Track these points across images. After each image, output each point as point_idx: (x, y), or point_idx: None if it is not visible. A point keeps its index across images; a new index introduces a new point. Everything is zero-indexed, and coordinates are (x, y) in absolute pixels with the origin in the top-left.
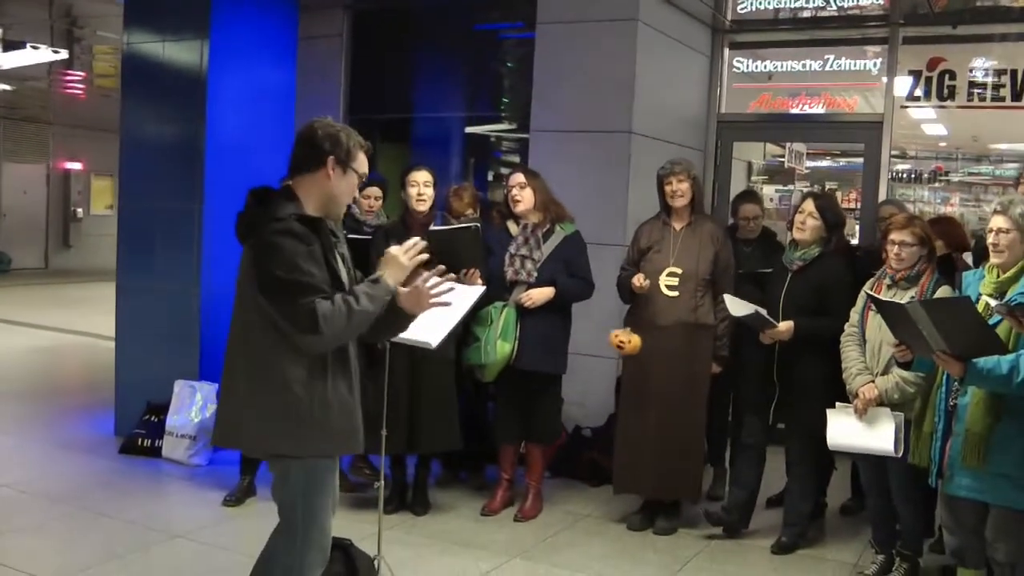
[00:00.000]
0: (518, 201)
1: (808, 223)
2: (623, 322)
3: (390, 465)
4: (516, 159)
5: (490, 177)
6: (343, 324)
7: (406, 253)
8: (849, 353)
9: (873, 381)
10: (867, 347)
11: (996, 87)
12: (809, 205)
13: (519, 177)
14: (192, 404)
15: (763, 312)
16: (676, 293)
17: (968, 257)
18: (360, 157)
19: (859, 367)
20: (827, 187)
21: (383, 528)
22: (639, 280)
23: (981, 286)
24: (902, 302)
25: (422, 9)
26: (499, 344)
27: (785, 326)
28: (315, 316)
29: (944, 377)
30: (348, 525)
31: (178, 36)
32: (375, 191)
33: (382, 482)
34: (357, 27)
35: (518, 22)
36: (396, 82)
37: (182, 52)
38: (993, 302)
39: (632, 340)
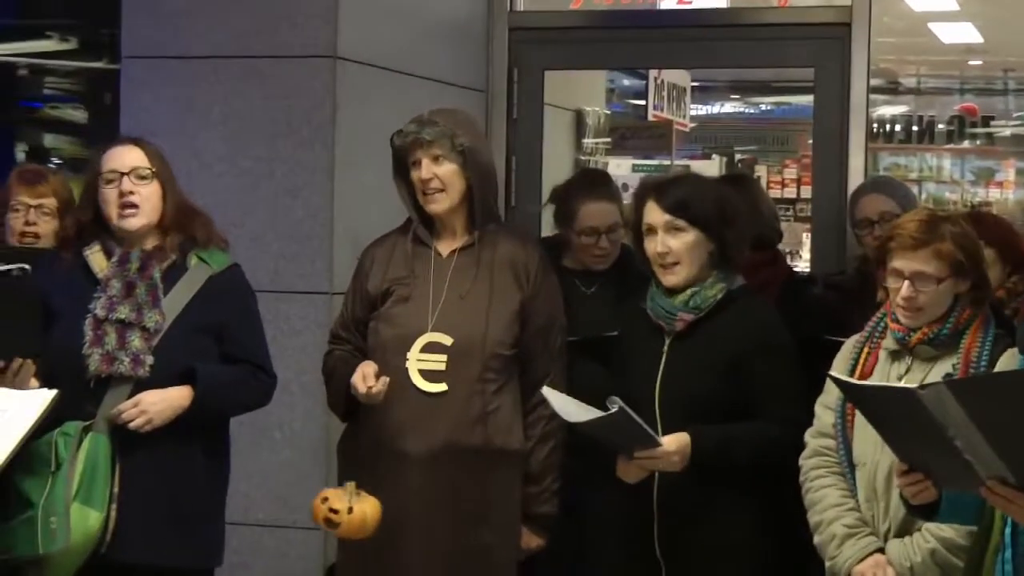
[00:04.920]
0: (133, 206)
1: (672, 244)
2: (337, 450)
3: None
4: (97, 115)
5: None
6: None
7: None
8: (823, 492)
9: (882, 549)
10: (860, 477)
11: None
12: (656, 213)
13: (133, 154)
14: None
15: (633, 415)
16: (443, 386)
17: None
18: None
19: (849, 521)
20: (737, 159)
21: None
22: (368, 379)
23: None
24: (910, 386)
25: None
26: (77, 511)
27: (674, 443)
28: None
29: (1008, 533)
30: None
31: None
32: None
33: None
34: None
35: None
36: None
37: None
38: None
39: (358, 507)
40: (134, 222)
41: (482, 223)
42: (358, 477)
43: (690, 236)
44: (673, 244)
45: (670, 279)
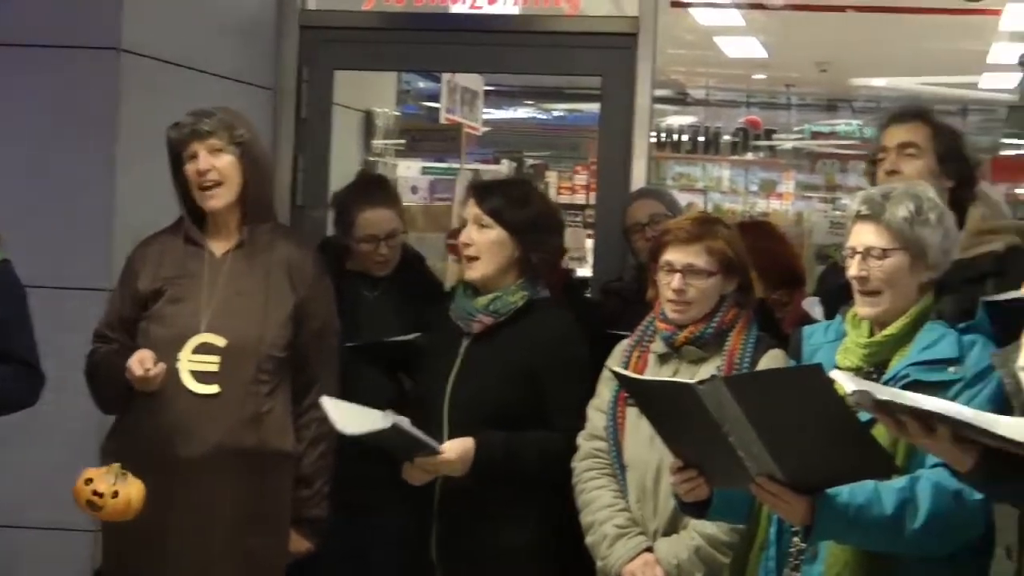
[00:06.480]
0: None
1: (477, 240)
2: (101, 450)
3: None
4: None
5: None
6: None
7: None
8: (595, 494)
9: (651, 548)
10: (631, 478)
11: None
12: (472, 207)
13: None
14: None
15: (408, 426)
16: (215, 388)
17: (813, 307)
18: None
19: (620, 521)
20: (528, 164)
21: None
22: (146, 362)
23: (839, 353)
24: (689, 381)
25: None
26: None
27: (455, 451)
28: None
29: (774, 530)
30: None
31: None
32: None
33: None
34: None
35: None
36: None
37: None
38: (851, 384)
39: (123, 491)
40: None
41: (256, 220)
42: None
43: (493, 234)
44: (476, 237)
45: (469, 272)
